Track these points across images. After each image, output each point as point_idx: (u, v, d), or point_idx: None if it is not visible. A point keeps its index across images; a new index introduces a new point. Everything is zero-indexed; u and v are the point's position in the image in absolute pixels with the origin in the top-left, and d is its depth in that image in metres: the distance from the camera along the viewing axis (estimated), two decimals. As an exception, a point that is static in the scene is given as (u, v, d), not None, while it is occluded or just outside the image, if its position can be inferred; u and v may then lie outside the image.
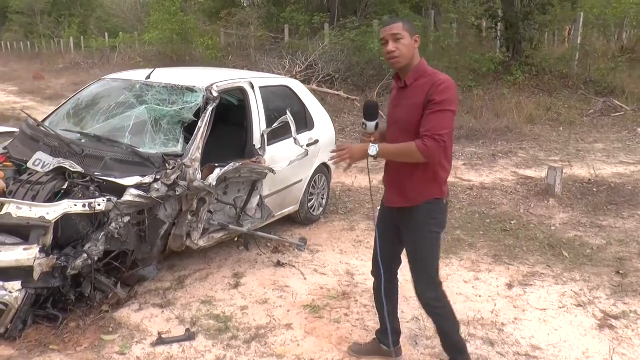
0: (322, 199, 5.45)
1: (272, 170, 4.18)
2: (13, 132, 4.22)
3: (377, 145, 2.52)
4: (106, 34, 26.27)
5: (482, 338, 3.33)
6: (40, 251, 3.06)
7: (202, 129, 3.84)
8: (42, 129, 3.89)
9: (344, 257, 4.56)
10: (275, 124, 4.24)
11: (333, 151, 2.62)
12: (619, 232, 5.12)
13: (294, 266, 4.31)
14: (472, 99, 10.88)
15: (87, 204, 3.29)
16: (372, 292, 3.07)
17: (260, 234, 4.21)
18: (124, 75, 4.53)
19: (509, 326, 3.49)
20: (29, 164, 3.58)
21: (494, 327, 3.48)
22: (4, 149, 3.97)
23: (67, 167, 3.49)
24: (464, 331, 3.39)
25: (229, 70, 5.40)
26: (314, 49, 14.38)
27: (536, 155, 7.93)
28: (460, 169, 7.35)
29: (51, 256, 3.10)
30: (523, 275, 4.25)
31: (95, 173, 3.52)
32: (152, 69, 4.32)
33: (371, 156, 2.53)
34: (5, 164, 3.70)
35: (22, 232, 3.20)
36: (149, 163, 3.59)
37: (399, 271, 3.05)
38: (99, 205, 3.33)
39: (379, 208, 2.98)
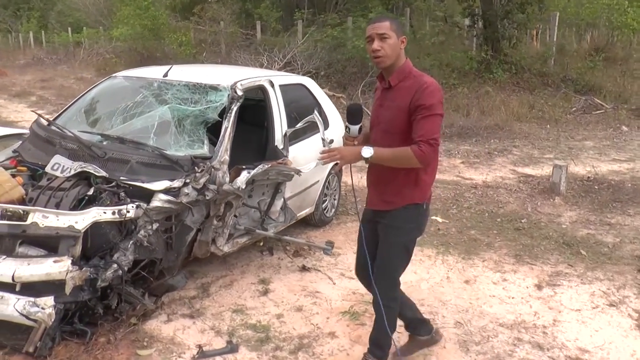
0: (334, 199, 5.33)
1: (298, 172, 4.03)
2: (21, 134, 3.92)
3: (372, 148, 2.44)
4: (69, 29, 25.29)
5: (530, 342, 3.27)
6: (72, 263, 2.83)
7: (228, 130, 3.66)
8: (58, 130, 3.62)
9: (366, 259, 4.44)
10: (300, 124, 4.09)
11: (323, 151, 2.54)
12: (629, 230, 5.18)
13: (320, 270, 4.18)
14: (457, 97, 10.93)
15: (116, 211, 3.08)
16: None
17: (287, 238, 4.05)
18: (137, 72, 4.28)
19: (551, 328, 3.46)
20: (47, 169, 3.33)
21: (537, 330, 3.43)
22: (14, 152, 3.68)
23: (90, 171, 3.26)
24: (509, 335, 3.35)
25: (243, 68, 5.21)
26: (290, 46, 14.23)
27: (530, 153, 8.01)
28: (459, 167, 7.34)
29: (84, 268, 2.88)
30: (548, 275, 4.23)
31: (121, 177, 3.30)
32: (170, 66, 4.09)
33: (365, 159, 2.45)
34: (19, 168, 3.43)
35: (46, 242, 2.97)
36: (178, 166, 3.39)
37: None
38: (129, 212, 3.12)
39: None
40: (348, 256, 4.48)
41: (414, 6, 17.79)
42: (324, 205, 5.07)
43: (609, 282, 4.13)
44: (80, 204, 3.17)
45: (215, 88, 3.80)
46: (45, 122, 3.78)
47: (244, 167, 3.73)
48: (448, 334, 3.32)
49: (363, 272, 2.90)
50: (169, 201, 3.28)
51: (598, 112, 10.54)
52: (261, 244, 4.14)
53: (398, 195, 2.59)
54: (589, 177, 6.54)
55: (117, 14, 17.95)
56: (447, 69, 12.06)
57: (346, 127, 2.60)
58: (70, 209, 3.09)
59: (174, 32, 16.42)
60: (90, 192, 3.19)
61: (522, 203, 5.94)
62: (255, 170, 3.68)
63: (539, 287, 4.04)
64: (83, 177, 3.30)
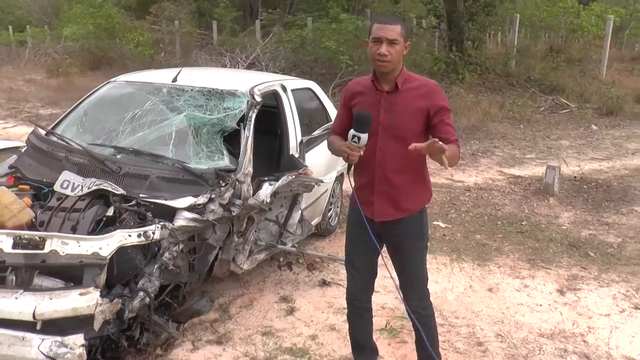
0: (337, 207, 5.14)
1: (320, 182, 3.82)
2: (16, 148, 3.51)
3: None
4: (10, 27, 23.82)
5: (575, 353, 3.20)
6: (102, 295, 2.53)
7: (250, 139, 3.42)
8: (64, 142, 3.26)
9: (382, 270, 4.25)
10: (318, 131, 3.89)
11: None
12: (627, 229, 5.26)
13: (340, 284, 3.97)
14: (429, 98, 10.94)
15: (142, 233, 2.79)
16: (362, 314, 2.83)
17: (310, 252, 3.84)
18: (140, 77, 3.93)
19: (589, 336, 3.40)
20: (56, 187, 2.97)
21: (576, 339, 3.37)
22: (10, 167, 3.28)
23: (107, 189, 2.94)
24: (553, 347, 3.27)
25: (249, 72, 4.94)
26: (253, 46, 13.95)
27: (512, 153, 8.08)
28: (446, 169, 7.29)
29: (115, 300, 2.57)
30: (566, 280, 4.21)
31: (140, 195, 2.99)
32: (179, 70, 3.78)
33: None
34: (21, 187, 3.05)
35: (61, 271, 2.64)
36: (202, 180, 3.12)
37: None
38: (154, 233, 2.83)
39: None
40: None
41: (372, 7, 17.84)
42: (329, 214, 4.88)
43: (626, 284, 4.14)
44: (98, 226, 2.85)
45: (233, 94, 3.54)
46: (44, 133, 3.41)
47: (265, 179, 3.49)
48: (493, 348, 3.21)
49: (368, 290, 2.78)
50: (194, 219, 3.01)
51: (564, 111, 10.82)
52: (281, 259, 3.91)
53: (412, 201, 2.54)
54: (575, 177, 6.63)
55: (70, 12, 17.00)
56: (416, 71, 12.08)
57: (354, 136, 2.34)
58: (89, 233, 2.77)
59: (130, 31, 15.73)
60: (110, 212, 2.87)
61: (518, 205, 5.94)
62: (279, 183, 3.45)
63: (561, 292, 4.00)
64: (97, 196, 2.97)
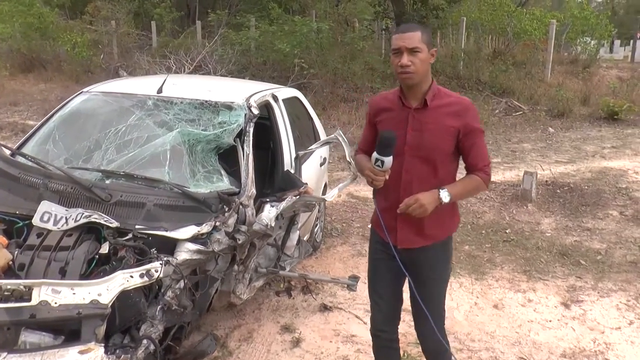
0: (321, 222, 4.86)
1: (323, 201, 3.53)
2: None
3: (446, 190, 2.18)
4: None
5: (604, 374, 3.09)
6: (107, 352, 2.13)
7: (250, 156, 3.08)
8: (39, 166, 2.79)
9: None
10: (316, 145, 3.59)
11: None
12: (608, 234, 5.29)
13: (341, 308, 3.72)
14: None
15: (144, 273, 2.40)
16: (390, 345, 2.62)
17: (312, 276, 3.54)
18: (117, 87, 3.46)
19: (610, 354, 3.33)
20: (35, 220, 2.52)
21: (598, 357, 3.27)
22: (-30, 199, 2.76)
23: (100, 221, 2.52)
24: (579, 368, 3.15)
25: (235, 81, 4.57)
26: (198, 48, 13.46)
27: (478, 157, 8.07)
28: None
29: (122, 356, 2.18)
30: (566, 291, 4.14)
31: (137, 226, 2.59)
32: (163, 78, 3.35)
33: (444, 203, 2.19)
34: (-12, 222, 2.57)
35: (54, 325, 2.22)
36: (204, 206, 2.75)
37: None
38: (157, 271, 2.45)
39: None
40: (360, 288, 4.03)
41: (315, 9, 17.63)
42: (315, 230, 4.60)
43: (624, 293, 4.12)
44: (90, 266, 2.44)
45: (229, 107, 3.18)
46: (9, 153, 2.91)
47: (267, 200, 3.16)
48: (518, 374, 3.05)
49: (395, 319, 2.59)
50: (198, 251, 2.65)
51: (518, 113, 11.01)
52: (281, 285, 3.59)
53: (441, 227, 2.37)
54: (547, 181, 6.67)
55: (-4, 10, 15.71)
56: (374, 73, 12.03)
57: (377, 159, 2.14)
58: (81, 276, 2.35)
59: (64, 32, 14.72)
60: (105, 249, 2.46)
61: (498, 212, 5.88)
62: (284, 204, 3.13)
63: (566, 305, 3.92)
64: (86, 230, 2.55)
